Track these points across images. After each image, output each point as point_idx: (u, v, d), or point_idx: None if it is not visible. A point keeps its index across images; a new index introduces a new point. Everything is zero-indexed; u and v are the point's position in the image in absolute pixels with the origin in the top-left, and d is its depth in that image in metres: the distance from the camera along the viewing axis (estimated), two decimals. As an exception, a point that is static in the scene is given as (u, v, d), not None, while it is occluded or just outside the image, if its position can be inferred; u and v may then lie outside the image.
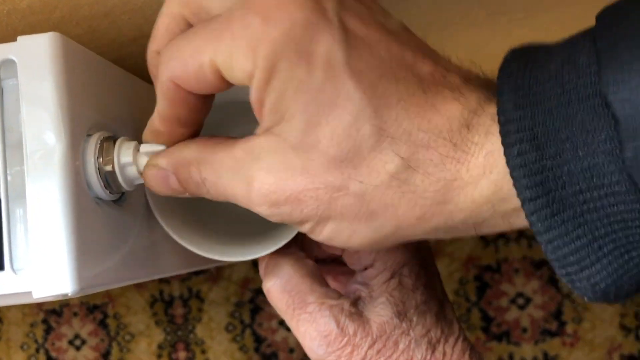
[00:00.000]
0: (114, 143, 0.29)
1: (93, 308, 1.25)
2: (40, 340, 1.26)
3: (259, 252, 0.35)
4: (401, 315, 0.33)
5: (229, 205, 0.43)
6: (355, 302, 0.34)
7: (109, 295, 1.24)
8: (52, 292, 0.26)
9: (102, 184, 0.29)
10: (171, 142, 0.28)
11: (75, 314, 1.25)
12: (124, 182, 0.29)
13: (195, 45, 0.25)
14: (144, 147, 0.29)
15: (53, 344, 1.27)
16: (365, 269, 0.35)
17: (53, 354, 1.27)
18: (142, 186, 0.34)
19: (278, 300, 0.33)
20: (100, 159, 0.29)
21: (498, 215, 0.23)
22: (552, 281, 0.98)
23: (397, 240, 0.26)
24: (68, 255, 0.27)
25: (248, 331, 1.20)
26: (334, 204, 0.24)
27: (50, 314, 1.25)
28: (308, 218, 0.25)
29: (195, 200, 0.42)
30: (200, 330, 1.23)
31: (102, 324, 1.25)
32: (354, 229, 0.25)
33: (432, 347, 0.33)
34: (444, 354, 0.33)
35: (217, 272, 1.21)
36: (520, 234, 1.02)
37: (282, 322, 1.15)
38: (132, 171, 0.29)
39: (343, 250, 0.36)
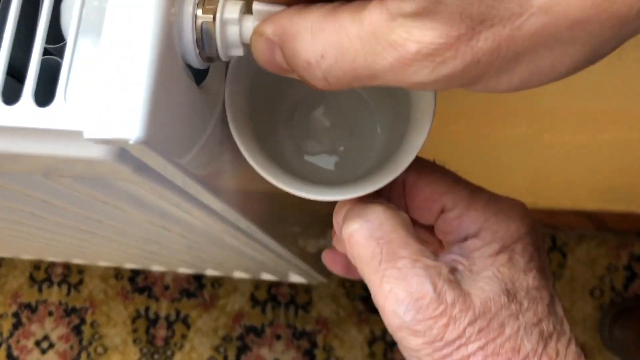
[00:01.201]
0: (220, -5, 0.24)
1: (71, 310, 1.14)
2: (5, 334, 1.16)
3: (342, 194, 0.29)
4: (510, 295, 0.26)
5: (312, 141, 0.39)
6: (452, 272, 0.27)
7: (91, 299, 1.15)
8: (110, 133, 0.20)
9: (196, 38, 0.23)
10: (290, 2, 0.23)
11: (50, 313, 1.15)
12: (221, 43, 0.24)
13: None
14: (256, 5, 0.23)
15: (18, 341, 1.16)
16: (466, 239, 0.29)
17: (15, 352, 1.16)
18: (223, 87, 0.29)
19: (362, 247, 0.26)
20: (200, 9, 0.23)
21: None
22: None
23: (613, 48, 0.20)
24: (142, 99, 0.20)
25: (230, 371, 1.09)
26: (518, 33, 0.18)
27: (24, 308, 1.15)
28: (489, 66, 0.19)
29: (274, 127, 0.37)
30: (179, 359, 1.12)
31: (77, 330, 1.14)
32: (556, 55, 0.19)
33: (544, 340, 0.26)
34: (557, 353, 0.25)
35: (211, 299, 1.12)
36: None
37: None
38: (233, 33, 0.24)
39: (437, 216, 0.30)
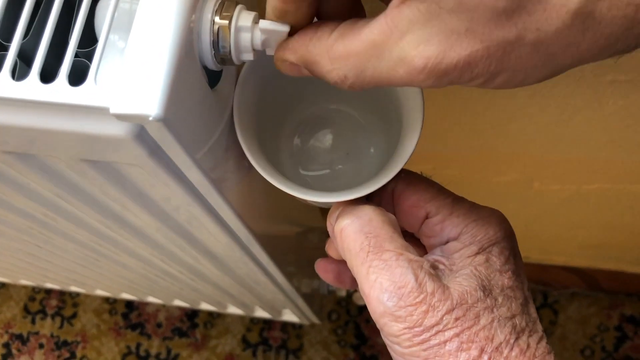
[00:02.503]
0: (236, 5, 0.27)
1: (62, 344, 1.14)
2: (-7, 365, 1.15)
3: (336, 197, 0.32)
4: (486, 290, 0.28)
5: (318, 152, 0.42)
6: (433, 268, 0.29)
7: (83, 334, 1.15)
8: (133, 109, 0.23)
9: (212, 40, 0.27)
10: (295, 22, 0.26)
11: (41, 346, 1.14)
12: (234, 46, 0.27)
13: None
14: (264, 23, 0.27)
15: (5, 372, 1.15)
16: (447, 242, 0.31)
17: (1, 384, 1.15)
18: (231, 94, 0.32)
19: (352, 241, 0.29)
20: (218, 16, 0.27)
21: None
22: None
23: (572, 67, 0.23)
24: (162, 83, 0.23)
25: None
26: (507, 57, 0.21)
27: (15, 339, 1.15)
28: (478, 76, 0.22)
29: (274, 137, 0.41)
30: (166, 398, 1.11)
31: (66, 364, 1.13)
32: (528, 73, 0.22)
33: (517, 333, 0.27)
34: (528, 345, 0.27)
35: (203, 339, 1.12)
36: None
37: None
38: (245, 39, 0.27)
39: (422, 222, 0.32)
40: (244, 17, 0.27)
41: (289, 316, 0.90)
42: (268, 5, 0.27)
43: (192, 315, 1.12)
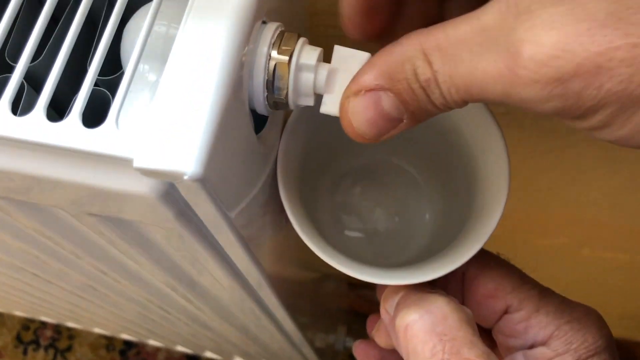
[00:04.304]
0: (297, 38, 0.22)
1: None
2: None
3: (396, 278, 0.26)
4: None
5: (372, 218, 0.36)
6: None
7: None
8: (164, 164, 0.17)
9: (266, 79, 0.21)
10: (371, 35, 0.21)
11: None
12: (293, 88, 0.21)
13: None
14: (339, 48, 0.21)
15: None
16: (533, 346, 0.25)
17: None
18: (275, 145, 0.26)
19: (420, 342, 0.23)
20: (275, 50, 0.21)
21: None
22: None
23: None
24: (203, 134, 0.18)
25: None
26: None
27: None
28: (607, 101, 0.15)
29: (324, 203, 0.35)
30: None
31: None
32: None
33: None
34: None
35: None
36: None
37: None
38: (307, 80, 0.22)
39: (499, 317, 0.26)
40: (308, 54, 0.22)
41: (299, 372, 0.84)
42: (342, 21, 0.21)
43: (193, 358, 1.05)
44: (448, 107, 0.19)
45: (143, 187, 0.19)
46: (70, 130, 0.19)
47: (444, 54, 0.18)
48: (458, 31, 0.18)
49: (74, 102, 0.19)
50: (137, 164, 0.18)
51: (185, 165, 0.17)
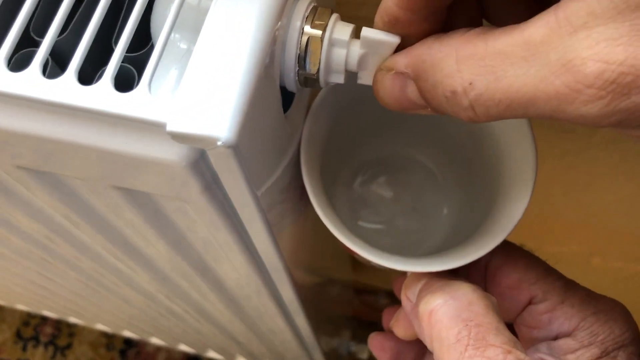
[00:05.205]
0: (331, 13, 0.22)
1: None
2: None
3: (419, 265, 0.26)
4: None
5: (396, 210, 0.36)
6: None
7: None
8: (198, 129, 0.17)
9: (298, 54, 0.21)
10: (410, 35, 0.20)
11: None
12: (324, 64, 0.21)
13: None
14: (367, 31, 0.21)
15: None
16: (557, 338, 0.24)
17: (-19, 412, 1.06)
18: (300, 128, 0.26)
19: (445, 328, 0.22)
20: (309, 24, 0.21)
21: None
22: None
23: None
24: (237, 101, 0.18)
25: None
26: None
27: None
28: None
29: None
30: None
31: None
32: None
33: None
34: None
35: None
36: None
37: None
38: (339, 56, 0.21)
39: (522, 308, 0.26)
40: (341, 29, 0.21)
41: (302, 375, 0.83)
42: (377, 13, 0.21)
43: (194, 359, 1.04)
44: (475, 120, 0.18)
45: (173, 155, 0.19)
46: (102, 93, 0.18)
47: (480, 64, 0.17)
48: (498, 42, 0.17)
49: (105, 68, 0.19)
50: (170, 127, 0.17)
51: (220, 130, 0.17)
